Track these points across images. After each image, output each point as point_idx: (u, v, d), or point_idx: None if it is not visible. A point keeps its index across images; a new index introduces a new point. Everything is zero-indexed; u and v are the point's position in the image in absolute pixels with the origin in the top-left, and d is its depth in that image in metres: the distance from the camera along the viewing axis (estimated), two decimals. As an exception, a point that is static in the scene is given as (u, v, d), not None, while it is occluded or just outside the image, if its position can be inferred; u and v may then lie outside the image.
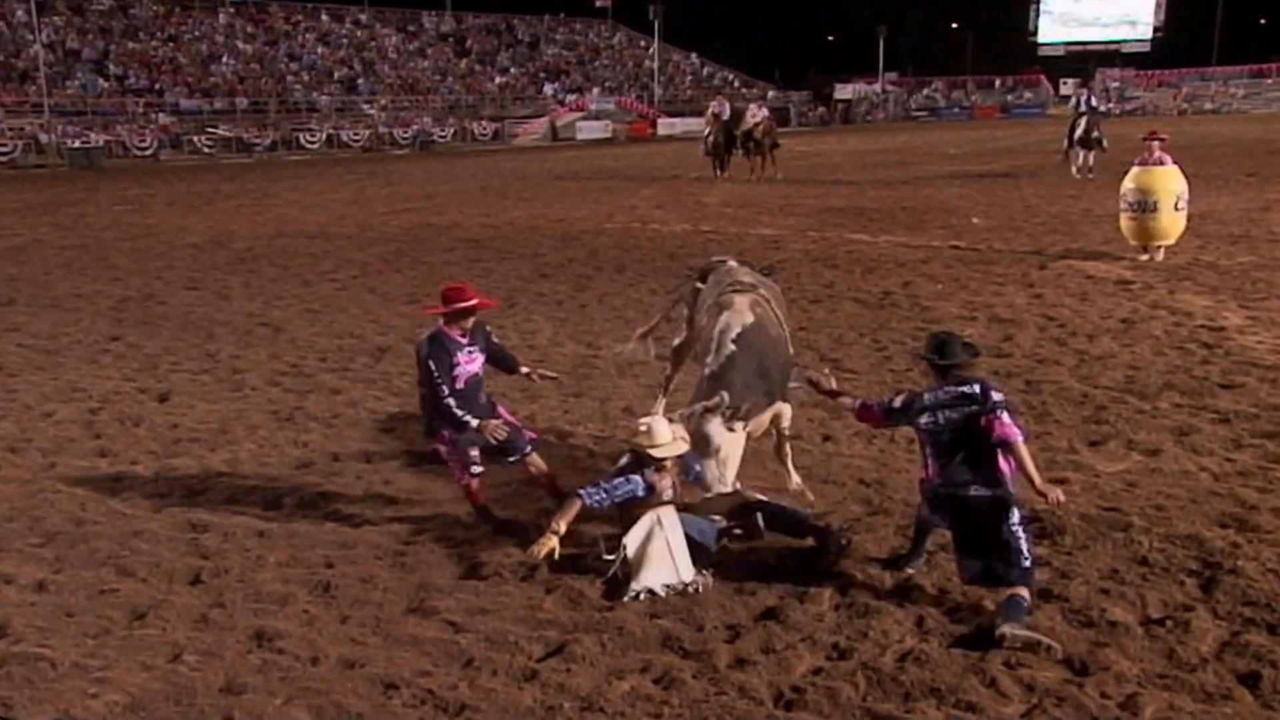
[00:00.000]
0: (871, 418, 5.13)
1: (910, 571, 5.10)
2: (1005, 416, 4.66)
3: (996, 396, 4.71)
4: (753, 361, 5.77)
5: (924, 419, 4.81)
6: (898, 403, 5.00)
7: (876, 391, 8.22)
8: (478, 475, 5.75)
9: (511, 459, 5.84)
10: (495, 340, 5.95)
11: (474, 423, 5.61)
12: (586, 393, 8.41)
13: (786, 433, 6.22)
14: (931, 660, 4.35)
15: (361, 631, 4.76)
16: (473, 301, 5.64)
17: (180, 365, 9.67)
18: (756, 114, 27.89)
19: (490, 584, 5.16)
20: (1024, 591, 4.58)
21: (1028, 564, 4.63)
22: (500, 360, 5.98)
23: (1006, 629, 4.41)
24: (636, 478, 5.25)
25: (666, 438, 5.27)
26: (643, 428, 5.35)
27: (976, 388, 4.73)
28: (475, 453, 5.68)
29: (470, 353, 5.66)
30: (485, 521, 5.78)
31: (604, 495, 5.19)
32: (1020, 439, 4.66)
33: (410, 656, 4.52)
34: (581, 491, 5.21)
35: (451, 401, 5.55)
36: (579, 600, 4.97)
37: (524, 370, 6.04)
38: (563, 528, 5.06)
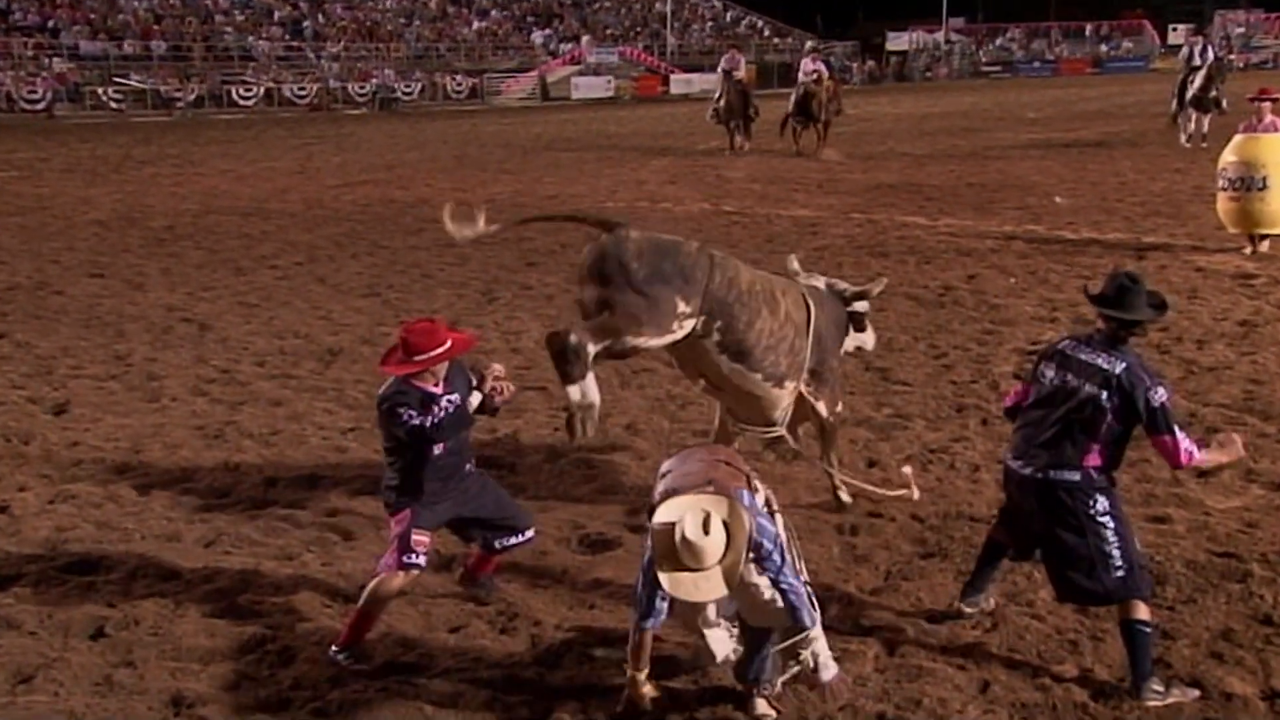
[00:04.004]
0: (1018, 395, 5.12)
1: (969, 610, 5.11)
2: (1180, 441, 4.62)
3: (1155, 397, 4.60)
4: None
5: (1049, 370, 4.83)
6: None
7: (933, 408, 8.26)
8: (410, 569, 5.03)
9: (506, 542, 5.37)
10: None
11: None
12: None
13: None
14: (1001, 736, 4.35)
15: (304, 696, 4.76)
16: (446, 346, 4.99)
17: (82, 369, 9.71)
18: (810, 70, 26.06)
19: (463, 637, 5.18)
20: (1138, 611, 4.58)
21: (1121, 570, 4.60)
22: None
23: (1145, 693, 4.53)
24: None
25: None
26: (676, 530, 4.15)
27: (1121, 366, 4.66)
28: (426, 539, 5.06)
29: (450, 403, 5.05)
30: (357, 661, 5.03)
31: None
32: (1195, 460, 4.72)
33: (363, 727, 4.53)
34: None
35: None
36: (560, 657, 4.98)
37: (487, 390, 5.23)
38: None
